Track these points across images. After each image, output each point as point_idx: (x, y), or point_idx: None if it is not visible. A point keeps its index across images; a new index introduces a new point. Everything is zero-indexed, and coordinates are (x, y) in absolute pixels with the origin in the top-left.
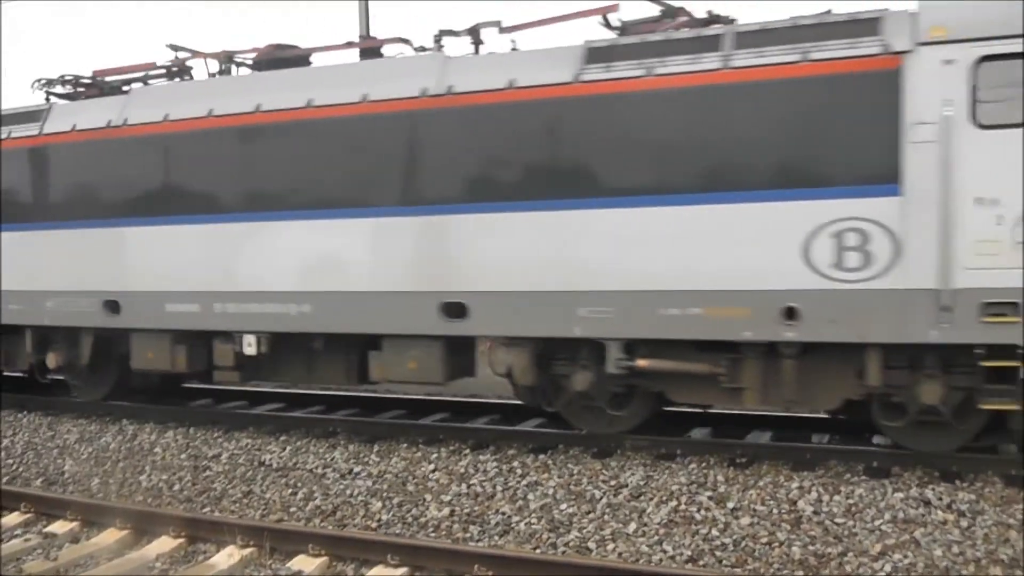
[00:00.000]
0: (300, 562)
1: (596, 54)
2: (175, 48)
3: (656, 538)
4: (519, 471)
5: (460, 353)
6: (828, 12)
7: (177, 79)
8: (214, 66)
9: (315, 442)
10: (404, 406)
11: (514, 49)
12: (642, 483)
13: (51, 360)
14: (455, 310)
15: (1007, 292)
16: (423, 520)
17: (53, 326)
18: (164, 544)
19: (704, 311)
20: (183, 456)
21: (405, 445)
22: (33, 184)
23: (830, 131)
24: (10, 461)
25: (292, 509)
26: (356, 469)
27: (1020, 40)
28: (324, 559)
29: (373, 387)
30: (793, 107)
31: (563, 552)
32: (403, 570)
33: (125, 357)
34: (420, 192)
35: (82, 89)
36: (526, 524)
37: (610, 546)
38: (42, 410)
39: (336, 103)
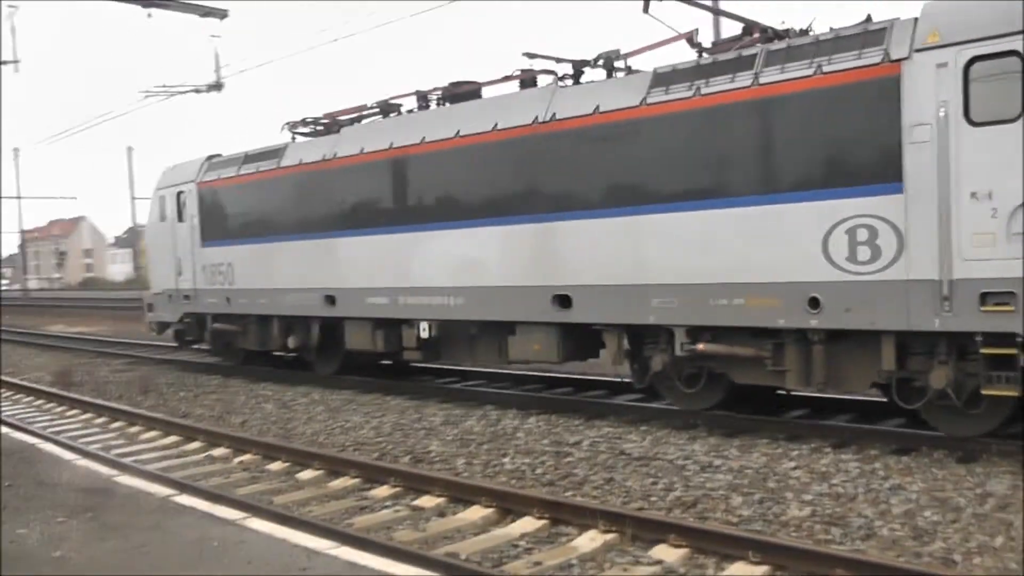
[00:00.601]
0: (661, 551)
1: (659, 79)
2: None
3: None
4: (881, 473)
5: (573, 338)
6: (850, 26)
7: (383, 115)
8: (412, 102)
9: (675, 433)
10: (763, 401)
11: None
12: (1009, 492)
13: (291, 342)
14: (563, 301)
15: (1004, 282)
16: (784, 518)
17: (292, 315)
18: (527, 524)
19: (745, 301)
20: (545, 442)
21: (765, 440)
22: (273, 207)
23: (842, 136)
24: (379, 440)
25: (652, 498)
26: (716, 462)
27: (1007, 39)
28: (685, 551)
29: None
30: (810, 116)
31: (927, 563)
32: (764, 568)
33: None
34: (535, 204)
35: (320, 127)
36: (889, 530)
37: (976, 560)
38: (408, 394)
39: (475, 132)
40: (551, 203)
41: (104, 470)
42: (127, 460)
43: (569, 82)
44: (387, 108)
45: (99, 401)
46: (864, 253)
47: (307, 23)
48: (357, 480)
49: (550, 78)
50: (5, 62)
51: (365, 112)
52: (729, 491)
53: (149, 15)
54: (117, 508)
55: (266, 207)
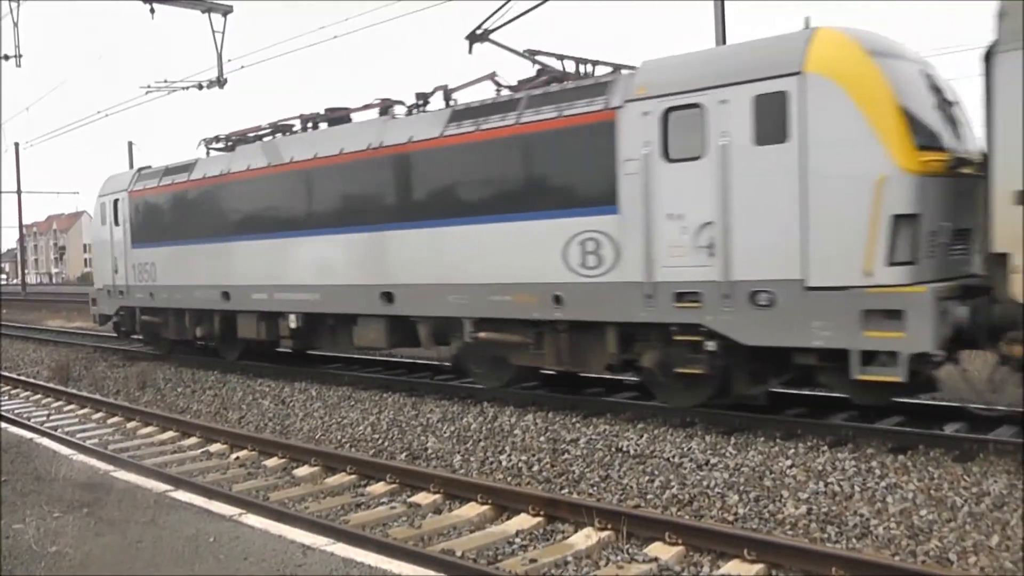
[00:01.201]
0: (656, 549)
1: (455, 115)
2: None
3: (1021, 554)
4: (878, 471)
5: (398, 327)
6: (587, 76)
7: (275, 135)
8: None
9: (672, 431)
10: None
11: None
12: (1005, 492)
13: (199, 332)
14: (389, 297)
15: (692, 284)
16: (780, 516)
17: (200, 309)
18: (523, 521)
19: (512, 298)
20: (542, 439)
21: (762, 439)
22: (185, 214)
23: (576, 167)
24: (376, 436)
25: (648, 496)
26: (713, 460)
27: (693, 94)
28: (680, 548)
29: None
30: (553, 150)
31: (923, 562)
32: (759, 567)
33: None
34: (369, 216)
35: (228, 144)
36: (885, 528)
37: (972, 559)
38: (406, 391)
39: (327, 155)
40: (380, 215)
41: (101, 465)
42: (124, 455)
43: (413, 110)
44: (277, 129)
45: (97, 396)
46: (592, 260)
47: (307, 20)
48: (353, 476)
49: (403, 108)
50: (7, 57)
51: (261, 132)
52: (725, 489)
53: (152, 10)
54: (114, 503)
55: (180, 214)
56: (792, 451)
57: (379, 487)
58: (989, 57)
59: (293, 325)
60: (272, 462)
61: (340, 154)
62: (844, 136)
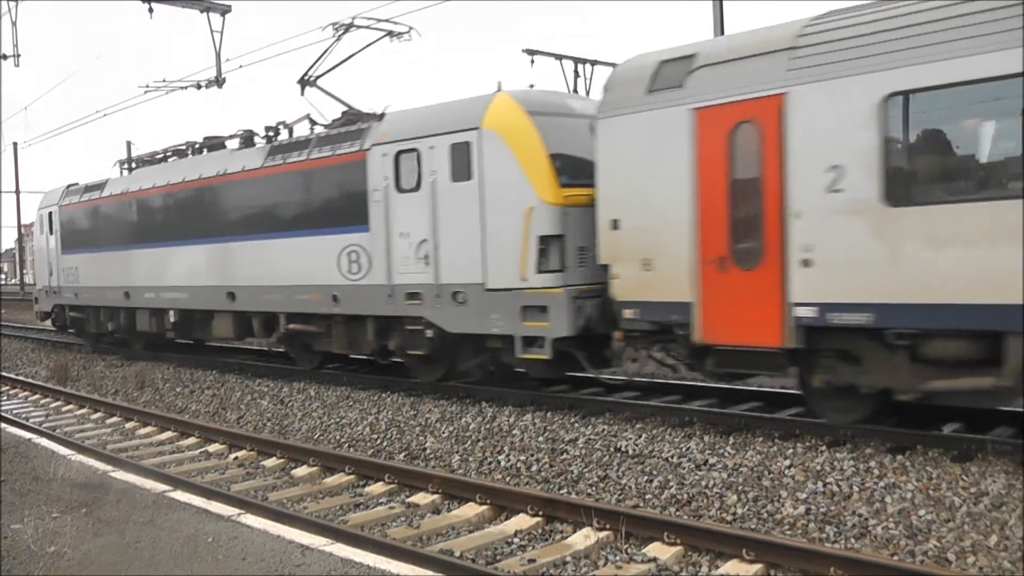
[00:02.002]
0: (655, 549)
1: (273, 150)
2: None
3: (1020, 554)
4: (876, 471)
5: (240, 321)
6: (354, 125)
7: (167, 159)
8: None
9: (671, 431)
10: (760, 398)
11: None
12: (1003, 492)
13: (110, 326)
14: (232, 296)
15: (415, 287)
16: (778, 516)
17: (110, 306)
18: (522, 521)
19: (310, 297)
20: (540, 439)
21: (761, 439)
22: (97, 225)
23: (343, 194)
24: (375, 436)
25: (647, 496)
26: (711, 460)
27: (412, 141)
28: (679, 548)
29: (729, 379)
30: (329, 181)
31: (921, 562)
32: (758, 566)
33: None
34: (219, 229)
35: (133, 166)
36: (883, 528)
37: (970, 559)
38: (405, 391)
39: (190, 179)
40: (225, 229)
41: (100, 465)
42: (123, 455)
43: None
44: (174, 153)
45: (95, 396)
46: (355, 267)
47: (306, 19)
48: (352, 477)
49: (263, 141)
50: (5, 56)
51: (156, 156)
52: (724, 489)
53: (151, 10)
54: (112, 503)
55: (94, 226)
56: (790, 451)
57: (378, 487)
58: (596, 120)
59: (172, 319)
60: (271, 462)
61: (199, 179)
62: (505, 176)
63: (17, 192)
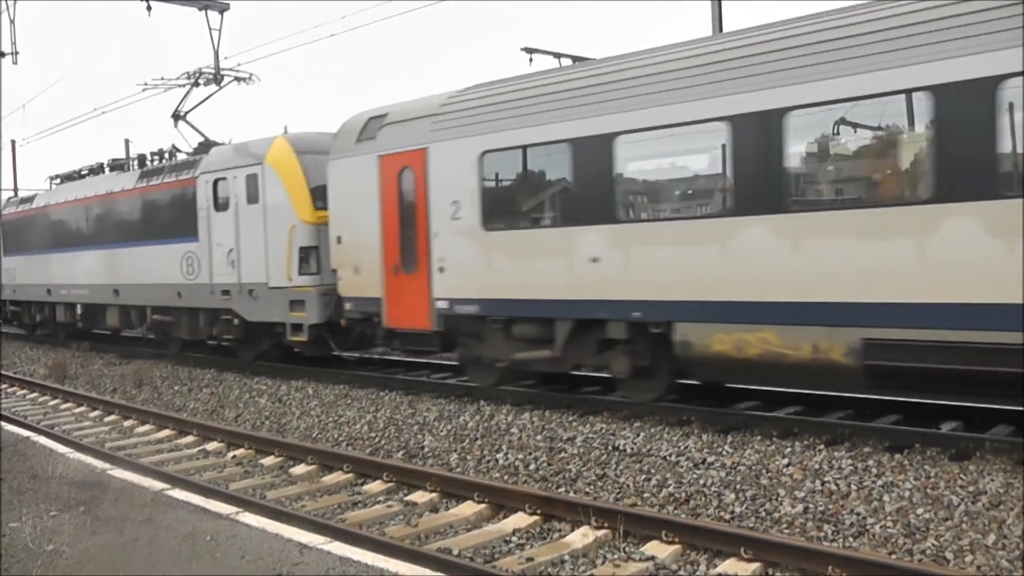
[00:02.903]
0: (653, 547)
1: (142, 174)
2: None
3: (1018, 552)
4: (874, 470)
5: (125, 313)
6: (195, 155)
7: (83, 176)
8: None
9: (669, 429)
10: (757, 397)
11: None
12: (1001, 490)
13: (38, 318)
14: (117, 292)
15: (228, 286)
16: (776, 515)
17: (37, 301)
18: (520, 520)
19: (163, 293)
20: (538, 437)
21: (759, 437)
22: (28, 232)
23: (180, 212)
24: (373, 434)
25: (645, 495)
26: (710, 459)
27: (217, 173)
28: (677, 547)
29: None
30: (172, 201)
31: (919, 561)
32: (755, 565)
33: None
34: (108, 238)
35: (57, 181)
36: (881, 527)
37: (968, 558)
38: (403, 389)
39: (89, 196)
40: (112, 237)
41: (98, 464)
42: (121, 454)
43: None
44: (91, 171)
45: (93, 394)
46: (190, 270)
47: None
48: (350, 475)
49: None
50: (3, 54)
51: (74, 174)
52: (722, 488)
53: (149, 7)
54: (110, 502)
55: (26, 233)
56: (789, 450)
57: (376, 486)
58: (328, 160)
59: (79, 312)
60: (269, 460)
61: (95, 195)
62: (278, 200)
63: (15, 191)
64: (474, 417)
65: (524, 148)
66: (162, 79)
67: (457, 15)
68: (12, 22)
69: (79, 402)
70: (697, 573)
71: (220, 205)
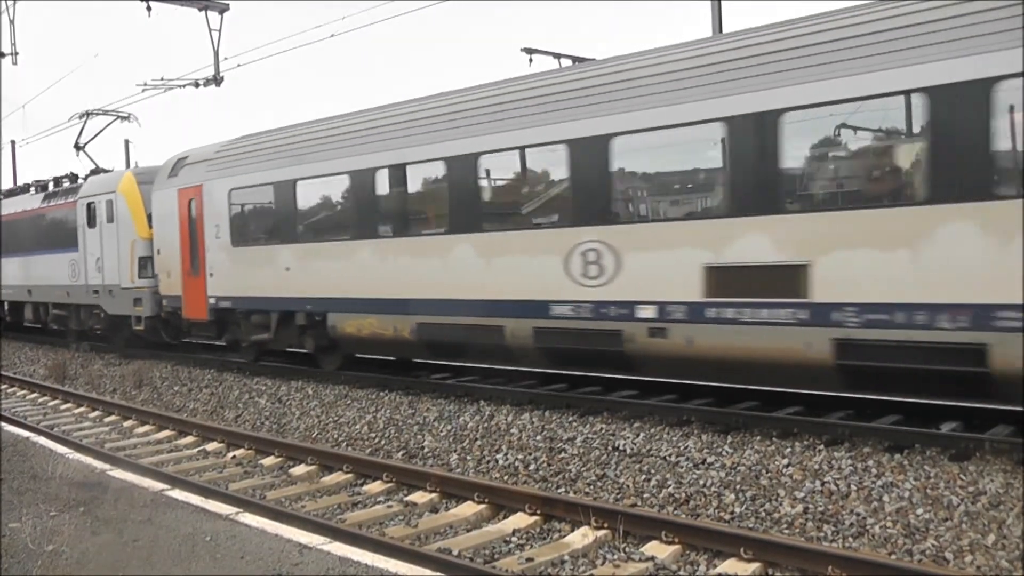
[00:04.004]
0: (653, 548)
1: (46, 196)
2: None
3: (1018, 553)
4: (874, 470)
5: (38, 310)
6: (75, 183)
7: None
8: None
9: (668, 430)
10: (757, 397)
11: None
12: (1001, 491)
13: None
14: (30, 292)
15: (97, 286)
16: (776, 515)
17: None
18: (520, 520)
19: (57, 292)
20: (538, 438)
21: (759, 437)
22: None
23: (70, 227)
24: (373, 435)
25: (645, 495)
26: (709, 459)
27: (93, 197)
28: (677, 547)
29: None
30: (65, 218)
31: (919, 561)
32: (755, 565)
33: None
34: (26, 247)
35: (4, 196)
36: (881, 527)
37: (968, 558)
38: (403, 390)
39: (18, 211)
40: (29, 247)
41: (98, 464)
42: (121, 454)
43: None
44: (38, 188)
45: (93, 395)
46: (75, 274)
47: (305, 18)
48: (350, 475)
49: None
50: (3, 54)
51: (14, 190)
52: (722, 488)
53: (149, 8)
54: (110, 502)
55: None
56: (788, 450)
57: (375, 486)
58: (153, 191)
59: (6, 308)
60: (269, 461)
61: (23, 211)
62: (125, 221)
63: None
64: (474, 417)
65: (251, 187)
66: (162, 79)
67: (456, 15)
68: (12, 22)
69: (79, 402)
70: (697, 573)
71: (91, 223)
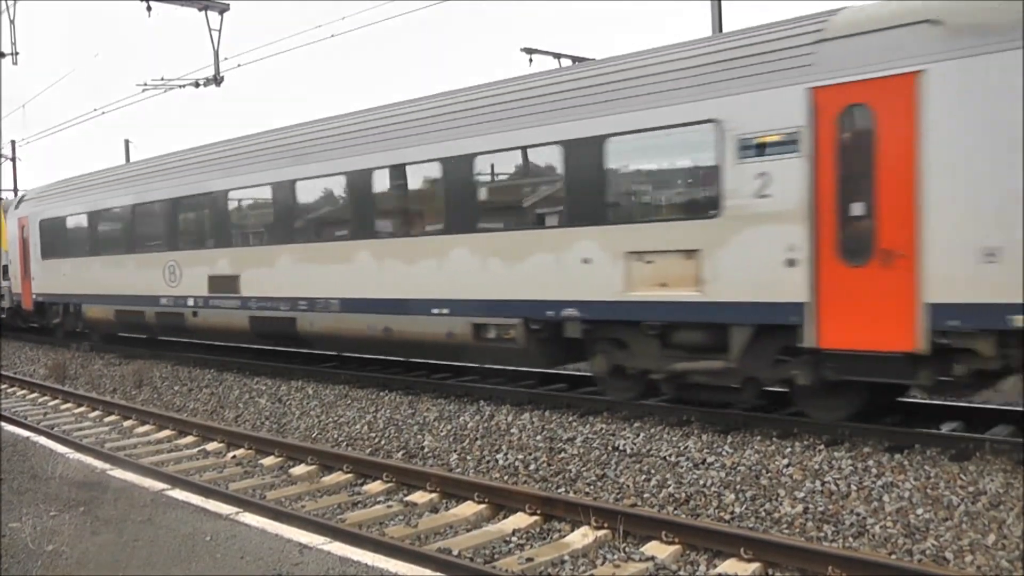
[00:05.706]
0: (653, 548)
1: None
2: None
3: (1018, 553)
4: (874, 470)
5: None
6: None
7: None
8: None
9: (669, 430)
10: (757, 397)
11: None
12: (1001, 491)
13: None
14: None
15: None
16: (776, 515)
17: None
18: (520, 520)
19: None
20: (538, 438)
21: (759, 438)
22: None
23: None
24: (373, 435)
25: (645, 495)
26: (709, 459)
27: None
28: (677, 547)
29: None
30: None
31: (919, 561)
32: (755, 565)
33: None
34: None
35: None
36: (881, 527)
37: (968, 558)
38: (403, 390)
39: None
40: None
41: (98, 464)
42: (121, 454)
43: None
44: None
45: (93, 395)
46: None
47: (304, 18)
48: (350, 475)
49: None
50: (3, 54)
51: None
52: (722, 488)
53: (149, 8)
54: (110, 502)
55: None
56: (788, 450)
57: (375, 486)
58: (6, 216)
59: None
60: (269, 461)
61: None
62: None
63: (15, 191)
64: (474, 417)
65: (50, 218)
66: (162, 80)
67: (457, 15)
68: (12, 22)
69: (79, 402)
70: (697, 573)
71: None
